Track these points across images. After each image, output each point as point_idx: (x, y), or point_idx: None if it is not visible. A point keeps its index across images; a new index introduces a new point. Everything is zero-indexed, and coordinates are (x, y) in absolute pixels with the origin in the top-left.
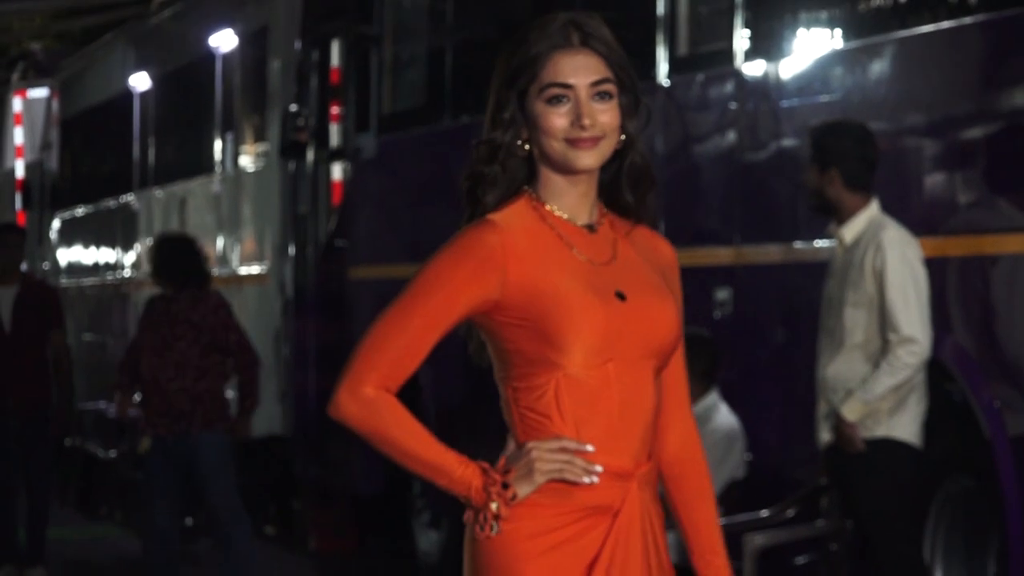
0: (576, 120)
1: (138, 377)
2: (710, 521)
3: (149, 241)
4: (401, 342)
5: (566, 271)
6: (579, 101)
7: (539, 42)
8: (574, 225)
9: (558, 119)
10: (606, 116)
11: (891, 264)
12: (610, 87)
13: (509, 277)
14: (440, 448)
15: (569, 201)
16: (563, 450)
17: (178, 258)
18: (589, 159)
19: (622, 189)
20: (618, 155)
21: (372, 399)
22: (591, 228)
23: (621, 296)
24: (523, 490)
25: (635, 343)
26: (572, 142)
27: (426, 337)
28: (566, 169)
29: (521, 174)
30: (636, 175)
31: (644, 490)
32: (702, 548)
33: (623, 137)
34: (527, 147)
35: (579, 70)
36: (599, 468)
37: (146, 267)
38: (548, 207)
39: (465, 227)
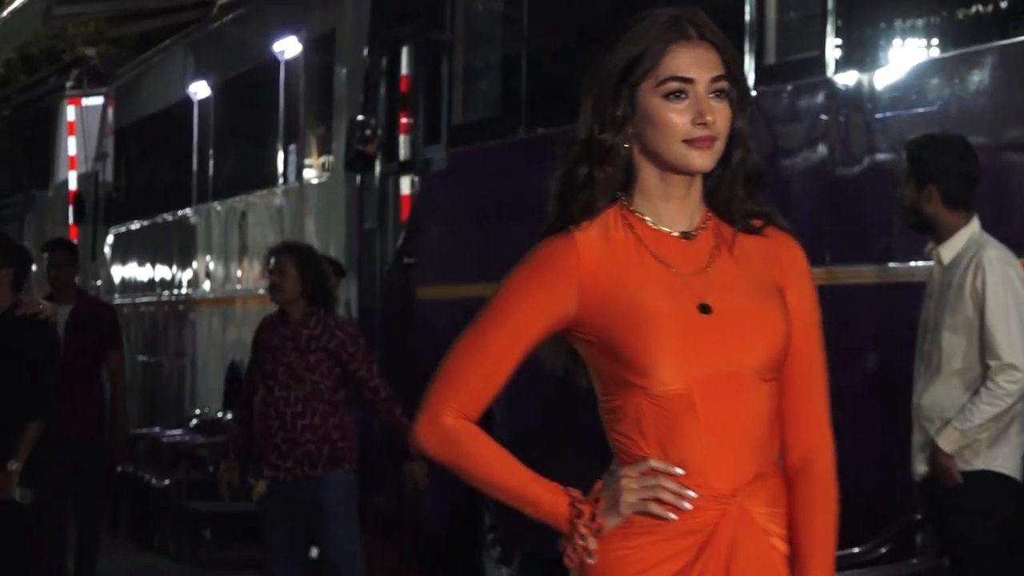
0: (697, 117)
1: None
2: (815, 531)
3: (208, 258)
4: (479, 368)
5: (647, 286)
6: (699, 97)
7: (653, 33)
8: (667, 234)
9: (677, 116)
10: (722, 115)
11: (992, 286)
12: (726, 84)
13: (584, 293)
14: (526, 476)
15: (670, 206)
16: (652, 472)
17: (309, 271)
18: (706, 160)
19: (735, 189)
20: (725, 155)
21: (451, 428)
22: (688, 236)
23: (706, 309)
24: (611, 523)
25: (726, 357)
26: (690, 142)
27: (505, 361)
28: (679, 170)
29: (619, 178)
30: (753, 173)
31: (750, 506)
32: (801, 553)
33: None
34: (627, 146)
35: (700, 64)
36: (692, 494)
37: (259, 281)
38: (639, 215)
39: (543, 239)
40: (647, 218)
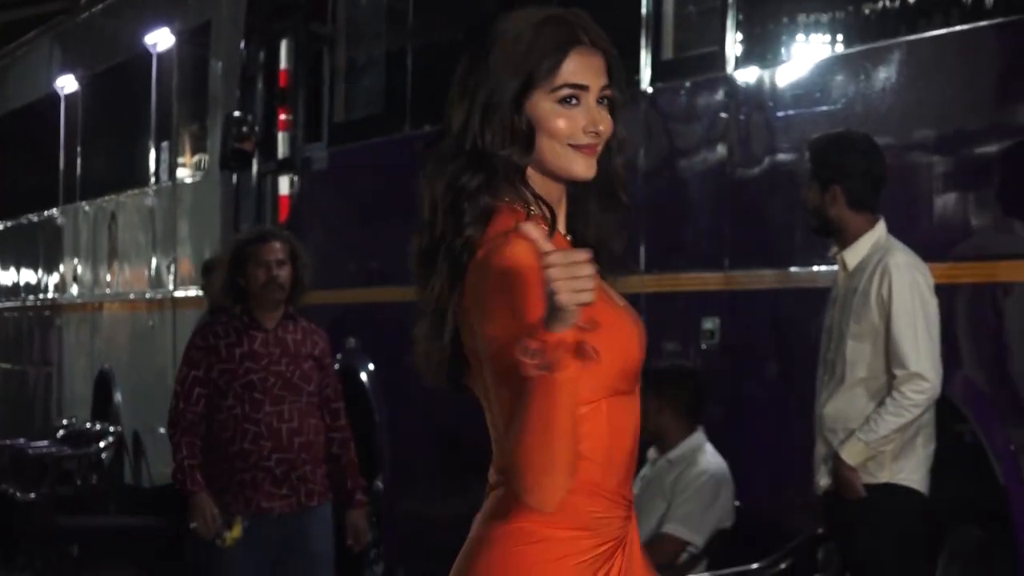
0: (588, 125)
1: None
2: None
3: (75, 260)
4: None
5: None
6: (589, 105)
7: (548, 41)
8: (562, 235)
9: (569, 121)
10: (605, 124)
11: (898, 292)
12: (611, 92)
13: None
14: None
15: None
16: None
17: (300, 265)
18: (590, 167)
19: (604, 197)
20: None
21: None
22: (572, 240)
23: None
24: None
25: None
26: (577, 147)
27: None
28: (561, 176)
29: (506, 183)
30: (620, 182)
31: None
32: None
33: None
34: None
35: (592, 71)
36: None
37: (130, 285)
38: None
39: (494, 249)
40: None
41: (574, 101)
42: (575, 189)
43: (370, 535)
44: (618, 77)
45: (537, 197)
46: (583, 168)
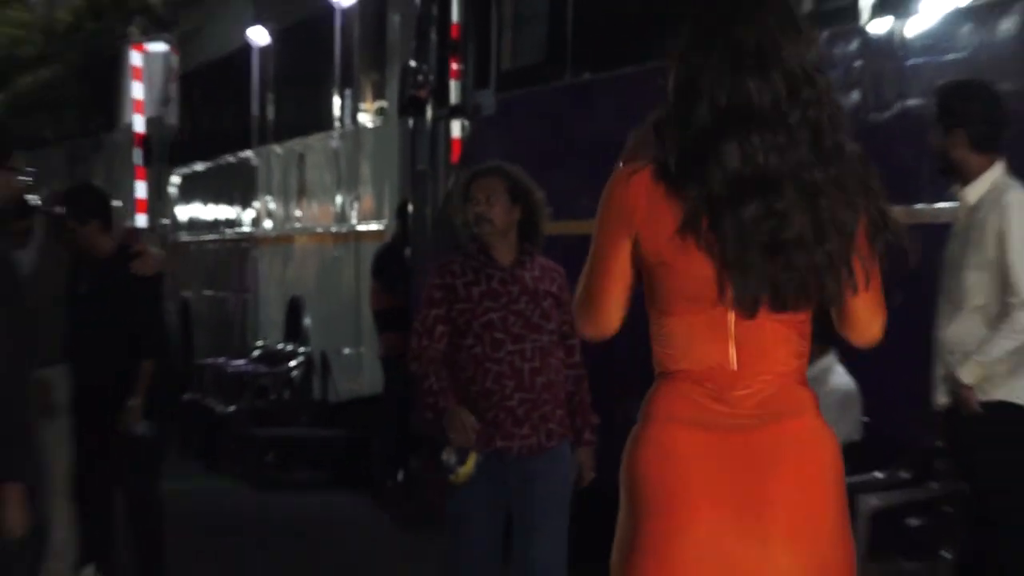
0: None
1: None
2: None
3: (268, 198)
4: None
5: None
6: None
7: None
8: None
9: None
10: None
11: (1014, 226)
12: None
13: None
14: None
15: None
16: None
17: (523, 199)
18: None
19: None
20: None
21: None
22: None
23: None
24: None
25: None
26: None
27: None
28: None
29: None
30: None
31: None
32: None
33: None
34: None
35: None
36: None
37: (319, 220)
38: None
39: None
40: None
41: None
42: None
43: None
44: None
45: None
46: None
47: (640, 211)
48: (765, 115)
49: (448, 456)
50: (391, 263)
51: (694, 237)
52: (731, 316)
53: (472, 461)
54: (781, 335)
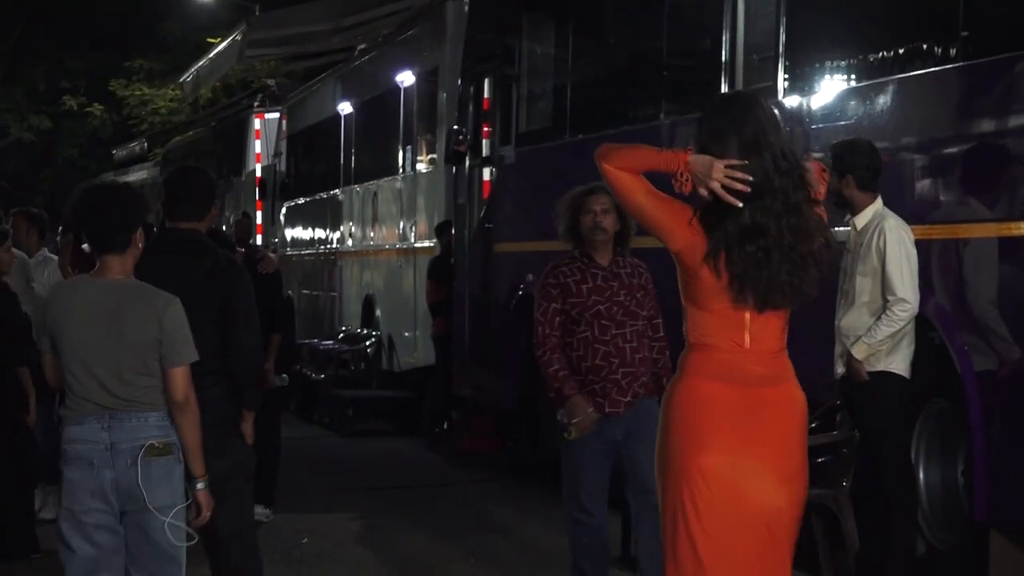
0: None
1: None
2: None
3: (351, 223)
4: None
5: None
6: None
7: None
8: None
9: None
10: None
11: (890, 244)
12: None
13: None
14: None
15: None
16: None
17: (623, 213)
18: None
19: None
20: None
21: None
22: None
23: None
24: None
25: None
26: None
27: None
28: None
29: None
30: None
31: None
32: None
33: None
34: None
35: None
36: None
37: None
38: None
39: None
40: None
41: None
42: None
43: None
44: None
45: None
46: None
47: (683, 235)
48: (760, 185)
49: (562, 418)
50: (440, 268)
51: (715, 262)
52: (748, 312)
53: (586, 419)
54: (778, 324)
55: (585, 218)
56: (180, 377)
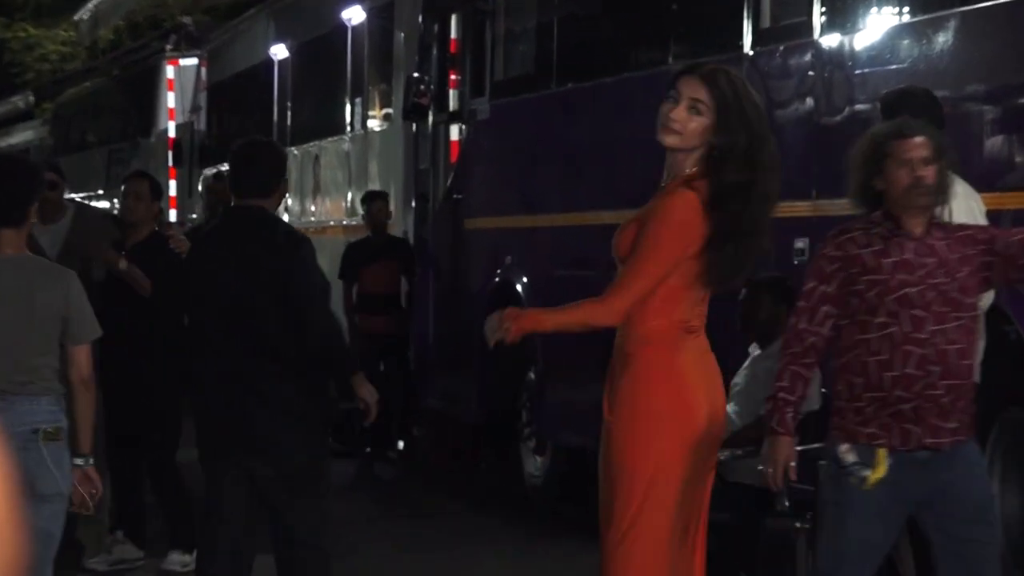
0: (667, 113)
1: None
2: None
3: (287, 195)
4: None
5: None
6: (678, 106)
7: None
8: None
9: (663, 109)
10: (691, 122)
11: (957, 216)
12: (700, 105)
13: None
14: None
15: (667, 169)
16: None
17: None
18: (670, 141)
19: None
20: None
21: None
22: (661, 187)
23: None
24: None
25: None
26: (663, 127)
27: None
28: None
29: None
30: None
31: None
32: None
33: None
34: None
35: (689, 89)
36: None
37: (331, 214)
38: None
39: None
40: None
41: (670, 102)
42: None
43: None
44: (723, 107)
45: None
46: (666, 141)
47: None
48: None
49: (847, 455)
50: (363, 253)
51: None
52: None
53: (883, 464)
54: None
55: (897, 172)
56: (84, 355)
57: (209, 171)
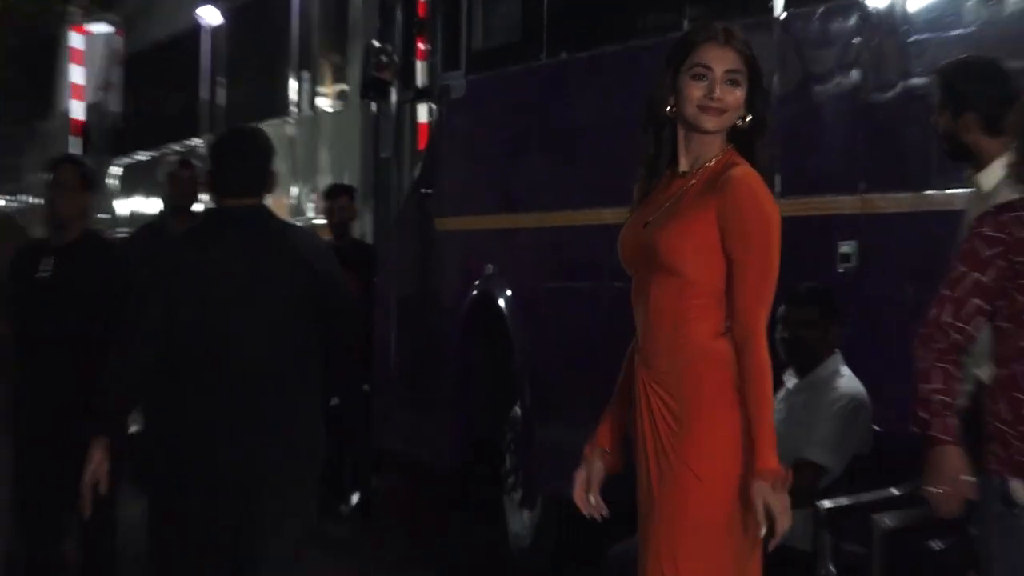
0: (708, 93)
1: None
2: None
3: None
4: None
5: (640, 207)
6: (714, 80)
7: (692, 36)
8: (674, 173)
9: (696, 90)
10: (731, 97)
11: None
12: (739, 77)
13: None
14: None
15: (688, 155)
16: None
17: None
18: (716, 124)
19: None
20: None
21: None
22: (684, 174)
23: (647, 224)
24: None
25: (646, 259)
26: (703, 109)
27: None
28: (695, 129)
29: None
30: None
31: (644, 371)
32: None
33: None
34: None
35: (719, 59)
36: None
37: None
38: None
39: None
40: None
41: (702, 77)
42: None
43: None
44: (752, 71)
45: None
46: (710, 124)
47: None
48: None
49: (1019, 489)
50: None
51: None
52: None
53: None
54: None
55: None
56: None
57: (171, 157)
